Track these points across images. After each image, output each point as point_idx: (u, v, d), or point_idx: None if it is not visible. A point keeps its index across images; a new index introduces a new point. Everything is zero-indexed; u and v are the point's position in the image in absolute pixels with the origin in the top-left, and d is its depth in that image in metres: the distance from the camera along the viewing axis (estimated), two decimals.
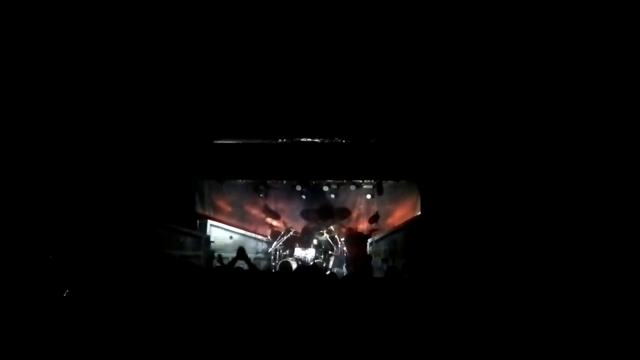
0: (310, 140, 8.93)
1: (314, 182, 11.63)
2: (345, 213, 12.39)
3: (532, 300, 4.60)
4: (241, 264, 6.00)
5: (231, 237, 10.98)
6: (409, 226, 7.83)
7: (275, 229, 12.44)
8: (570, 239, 5.20)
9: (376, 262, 9.55)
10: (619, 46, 5.07)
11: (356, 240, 11.55)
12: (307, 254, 11.17)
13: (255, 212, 12.29)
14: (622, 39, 5.01)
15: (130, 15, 5.48)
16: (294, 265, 10.41)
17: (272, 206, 12.39)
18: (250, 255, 11.41)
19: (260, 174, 10.14)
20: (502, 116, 6.38)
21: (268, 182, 11.47)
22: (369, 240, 10.73)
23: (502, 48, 5.85)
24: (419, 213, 8.90)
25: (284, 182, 11.73)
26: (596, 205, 5.15)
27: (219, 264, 7.30)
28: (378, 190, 11.22)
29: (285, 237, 11.60)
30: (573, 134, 5.56)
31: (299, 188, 11.67)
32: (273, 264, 11.26)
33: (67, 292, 5.01)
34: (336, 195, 11.91)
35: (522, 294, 4.78)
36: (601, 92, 5.30)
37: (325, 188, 11.49)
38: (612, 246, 4.84)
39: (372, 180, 10.92)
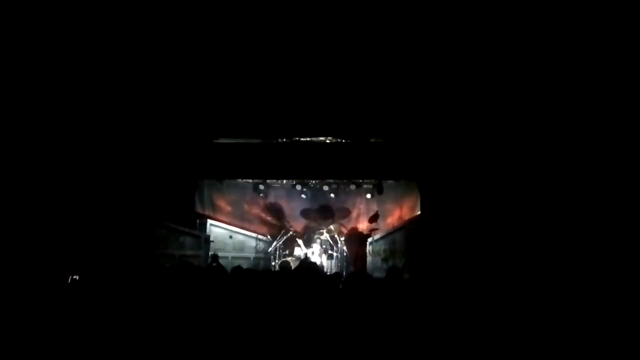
0: (310, 139, 8.93)
1: (313, 182, 11.64)
2: (345, 212, 12.39)
3: (531, 299, 4.60)
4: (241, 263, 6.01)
5: (231, 237, 10.98)
6: (409, 226, 7.84)
7: (275, 228, 12.43)
8: (569, 238, 5.20)
9: (376, 262, 9.55)
10: (619, 46, 5.06)
11: (356, 239, 11.54)
12: (308, 253, 11.19)
13: (255, 211, 12.29)
14: (622, 39, 5.00)
15: (131, 15, 5.47)
16: (294, 265, 10.40)
17: (272, 206, 12.38)
18: (250, 254, 11.43)
19: (260, 174, 10.14)
20: (501, 117, 6.38)
21: (268, 181, 11.45)
22: (369, 240, 10.73)
23: (501, 49, 5.85)
24: (419, 213, 8.90)
25: (284, 181, 11.72)
26: (595, 206, 5.15)
27: (215, 264, 7.31)
28: (378, 190, 11.22)
29: (285, 237, 11.59)
30: (572, 134, 5.56)
31: (298, 187, 11.67)
32: (273, 263, 11.26)
33: (66, 291, 5.03)
34: (336, 194, 11.92)
35: (522, 293, 4.78)
36: (600, 93, 5.30)
37: (325, 187, 11.50)
38: (611, 247, 4.84)
39: (372, 180, 10.92)
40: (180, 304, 4.34)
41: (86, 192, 6.72)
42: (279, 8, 5.44)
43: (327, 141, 9.02)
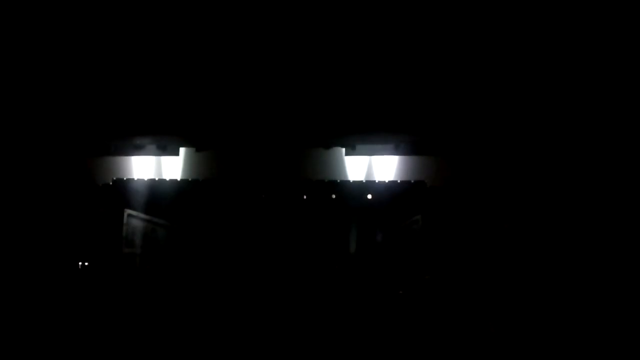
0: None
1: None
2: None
3: (531, 300, 4.60)
4: None
5: None
6: (409, 226, 7.85)
7: None
8: (569, 237, 5.20)
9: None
10: (619, 46, 5.06)
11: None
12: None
13: None
14: (622, 39, 5.00)
15: (122, 20, 5.35)
16: None
17: None
18: None
19: None
20: (502, 117, 6.38)
21: None
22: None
23: (501, 49, 5.83)
24: (419, 213, 8.86)
25: None
26: (595, 207, 5.15)
27: None
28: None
29: None
30: (571, 134, 5.56)
31: None
32: None
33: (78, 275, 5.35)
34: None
35: (522, 294, 4.77)
36: (598, 98, 5.29)
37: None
38: (613, 249, 4.84)
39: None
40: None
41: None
42: (256, 29, 5.31)
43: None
